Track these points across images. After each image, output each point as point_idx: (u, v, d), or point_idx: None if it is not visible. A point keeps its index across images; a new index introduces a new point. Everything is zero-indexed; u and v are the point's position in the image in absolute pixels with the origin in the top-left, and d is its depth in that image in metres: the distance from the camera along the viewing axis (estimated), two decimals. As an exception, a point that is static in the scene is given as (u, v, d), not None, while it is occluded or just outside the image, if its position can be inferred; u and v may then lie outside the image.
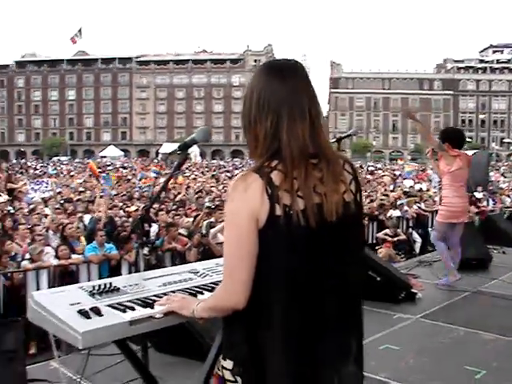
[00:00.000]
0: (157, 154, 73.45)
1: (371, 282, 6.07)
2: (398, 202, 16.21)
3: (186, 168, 41.03)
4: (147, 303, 2.26)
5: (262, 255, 1.80)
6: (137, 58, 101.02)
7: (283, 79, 1.88)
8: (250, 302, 1.81)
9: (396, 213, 14.70)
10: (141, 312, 2.18)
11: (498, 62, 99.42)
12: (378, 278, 6.07)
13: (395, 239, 12.78)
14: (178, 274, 2.71)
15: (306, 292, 1.80)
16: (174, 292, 2.40)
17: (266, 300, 1.80)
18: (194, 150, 60.73)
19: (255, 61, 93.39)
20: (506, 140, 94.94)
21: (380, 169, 46.60)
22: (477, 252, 8.01)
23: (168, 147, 63.67)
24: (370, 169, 44.25)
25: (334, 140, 4.74)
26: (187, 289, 2.50)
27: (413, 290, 6.33)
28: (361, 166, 48.40)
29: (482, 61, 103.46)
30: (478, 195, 18.63)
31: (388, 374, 4.29)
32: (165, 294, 2.36)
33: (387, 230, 13.14)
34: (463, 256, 7.77)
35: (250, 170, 1.82)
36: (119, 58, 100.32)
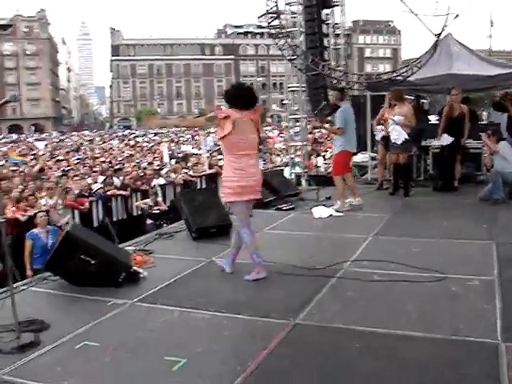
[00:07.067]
0: None
1: (85, 267, 5.36)
2: (164, 170, 15.77)
3: None
4: None
5: None
6: None
7: None
8: None
9: (160, 181, 14.18)
10: None
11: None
12: (93, 261, 5.36)
13: (155, 209, 12.22)
14: None
15: None
16: None
17: None
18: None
19: (27, 27, 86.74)
20: (285, 101, 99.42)
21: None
22: (217, 219, 7.66)
23: None
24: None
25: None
26: None
27: (137, 269, 5.72)
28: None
29: (259, 26, 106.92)
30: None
31: (73, 381, 3.60)
32: None
33: (148, 200, 12.55)
34: (202, 224, 7.46)
35: None
36: None
